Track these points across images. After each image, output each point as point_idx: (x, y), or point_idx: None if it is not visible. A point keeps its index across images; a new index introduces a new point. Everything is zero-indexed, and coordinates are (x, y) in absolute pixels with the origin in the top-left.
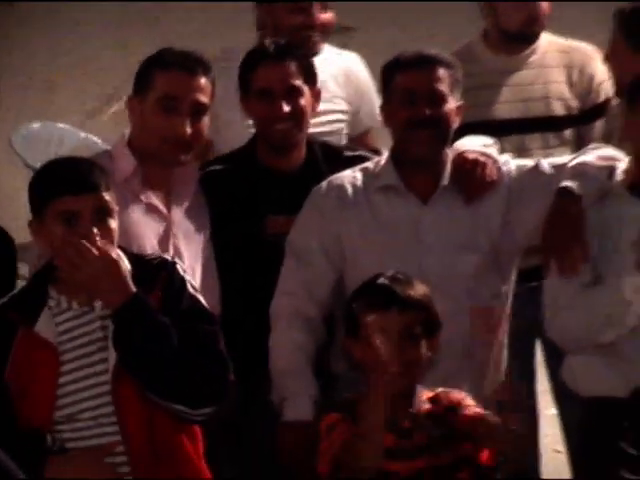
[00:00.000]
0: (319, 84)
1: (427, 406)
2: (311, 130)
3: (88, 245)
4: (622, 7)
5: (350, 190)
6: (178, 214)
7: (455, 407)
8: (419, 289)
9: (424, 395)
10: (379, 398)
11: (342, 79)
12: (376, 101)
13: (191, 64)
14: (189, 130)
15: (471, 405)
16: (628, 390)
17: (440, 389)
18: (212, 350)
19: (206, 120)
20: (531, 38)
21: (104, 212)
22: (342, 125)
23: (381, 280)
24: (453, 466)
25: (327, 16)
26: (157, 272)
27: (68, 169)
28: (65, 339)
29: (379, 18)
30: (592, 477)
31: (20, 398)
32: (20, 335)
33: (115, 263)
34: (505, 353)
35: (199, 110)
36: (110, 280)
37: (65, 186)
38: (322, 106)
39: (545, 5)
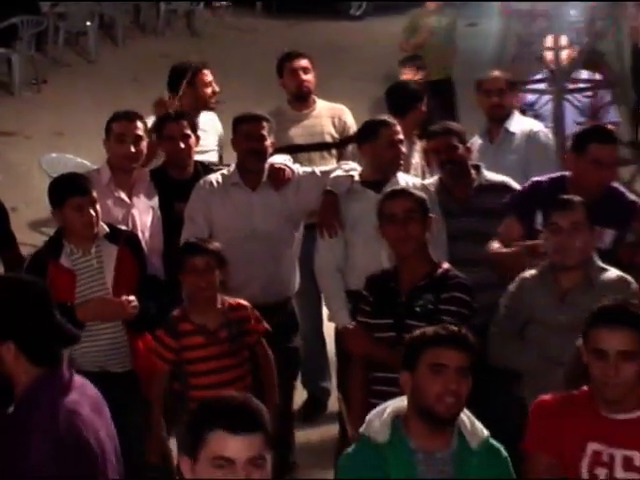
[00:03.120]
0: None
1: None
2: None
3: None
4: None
5: (215, 184)
6: (136, 201)
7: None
8: None
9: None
10: None
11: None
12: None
13: (131, 115)
14: (134, 150)
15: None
16: None
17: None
18: (147, 276)
19: (144, 144)
20: (307, 103)
21: (94, 203)
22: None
23: None
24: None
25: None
26: (121, 234)
27: (71, 180)
28: (76, 268)
29: None
30: None
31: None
32: (51, 266)
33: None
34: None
35: (138, 141)
36: None
37: (72, 191)
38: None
39: (313, 82)
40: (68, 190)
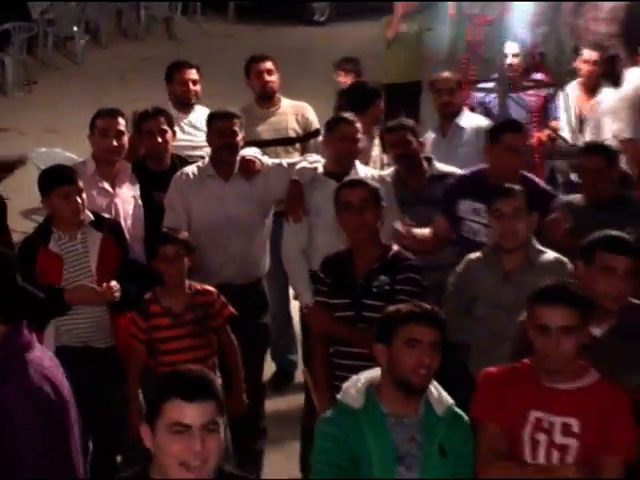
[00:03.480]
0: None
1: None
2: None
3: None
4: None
5: (191, 176)
6: (119, 191)
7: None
8: None
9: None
10: None
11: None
12: None
13: (114, 112)
14: (116, 144)
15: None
16: None
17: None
18: (128, 261)
19: (125, 139)
20: (273, 101)
21: (80, 192)
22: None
23: None
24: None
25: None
26: (105, 221)
27: (59, 170)
28: (64, 253)
29: None
30: None
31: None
32: (40, 251)
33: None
34: None
35: (120, 135)
36: None
37: (59, 180)
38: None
39: (277, 82)
40: (55, 180)
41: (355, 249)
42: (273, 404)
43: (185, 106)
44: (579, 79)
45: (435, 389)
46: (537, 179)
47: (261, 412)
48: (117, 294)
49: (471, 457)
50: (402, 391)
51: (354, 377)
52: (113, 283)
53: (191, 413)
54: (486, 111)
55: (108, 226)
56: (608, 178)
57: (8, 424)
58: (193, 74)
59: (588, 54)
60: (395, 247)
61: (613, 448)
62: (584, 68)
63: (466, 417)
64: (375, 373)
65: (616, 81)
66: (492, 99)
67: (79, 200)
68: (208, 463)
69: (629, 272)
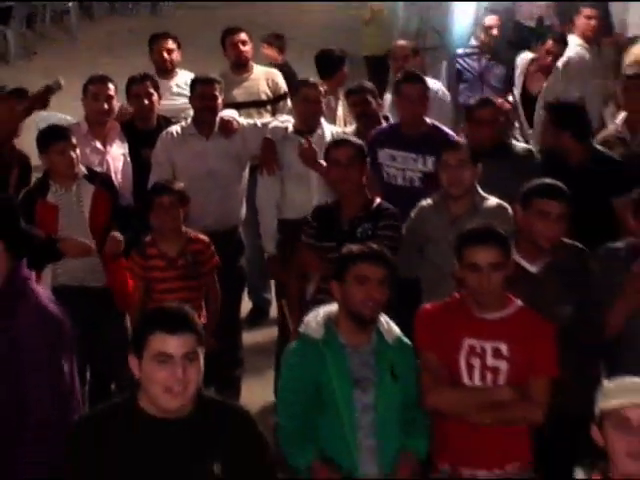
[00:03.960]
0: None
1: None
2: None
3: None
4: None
5: (175, 135)
6: (109, 149)
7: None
8: None
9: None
10: None
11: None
12: None
13: (104, 78)
14: (106, 107)
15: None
16: None
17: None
18: (120, 208)
19: (114, 103)
20: (246, 68)
21: (74, 147)
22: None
23: None
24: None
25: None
26: (97, 175)
27: (54, 129)
28: (60, 203)
29: None
30: None
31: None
32: (39, 202)
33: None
34: None
35: (109, 99)
36: None
37: (55, 137)
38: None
39: (250, 52)
40: (52, 137)
41: (342, 200)
42: (250, 337)
43: (164, 72)
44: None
45: (385, 321)
46: (443, 127)
47: (239, 344)
48: (122, 246)
49: (412, 381)
50: (355, 322)
51: (314, 311)
52: (117, 234)
53: (173, 344)
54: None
55: (100, 179)
56: (492, 129)
57: (20, 353)
58: (169, 44)
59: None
60: (378, 199)
61: (538, 368)
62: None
63: (411, 344)
64: (333, 307)
65: None
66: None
67: (73, 155)
68: (189, 388)
69: (561, 216)
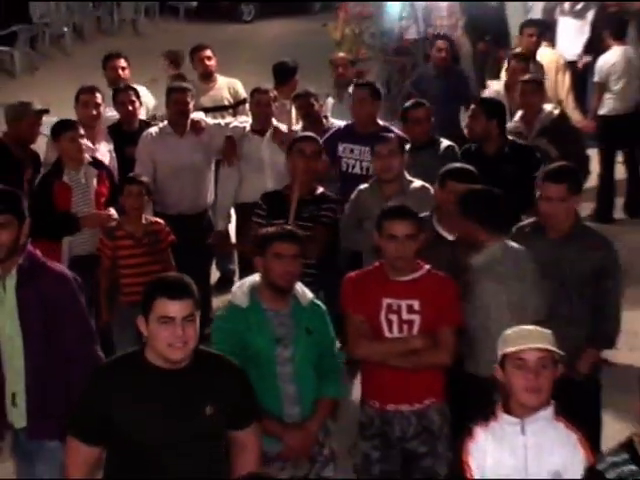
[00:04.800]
0: None
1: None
2: None
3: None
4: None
5: (154, 134)
6: (98, 147)
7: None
8: None
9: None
10: None
11: None
12: None
13: (93, 89)
14: (94, 113)
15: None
16: None
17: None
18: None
19: (101, 109)
20: (211, 79)
21: (82, 136)
22: None
23: None
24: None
25: None
26: (100, 163)
27: (65, 121)
28: (73, 184)
29: None
30: None
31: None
32: (56, 183)
33: None
34: None
35: (97, 106)
36: None
37: (66, 127)
38: None
39: (214, 65)
40: (64, 127)
41: (294, 186)
42: (219, 301)
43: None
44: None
45: (300, 288)
46: (393, 127)
47: (209, 306)
48: (114, 219)
49: (329, 335)
50: (274, 291)
51: (239, 282)
52: (112, 211)
53: (174, 308)
54: None
55: (102, 166)
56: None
57: (50, 302)
58: (121, 62)
59: (440, 43)
60: (321, 188)
61: (446, 319)
62: (438, 55)
63: (323, 306)
64: (256, 278)
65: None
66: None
67: (81, 142)
68: (188, 345)
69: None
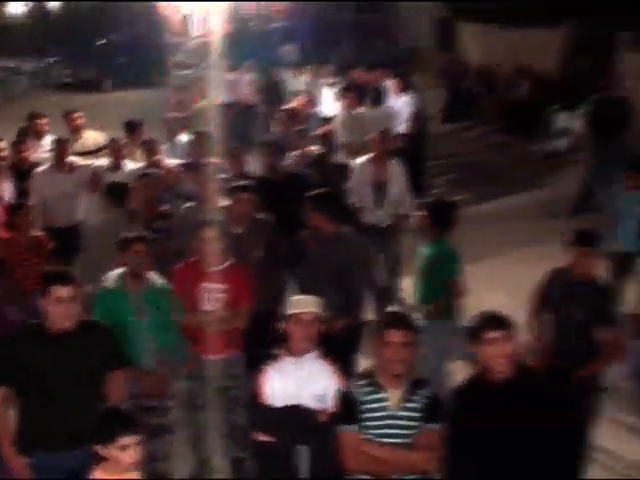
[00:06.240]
0: None
1: None
2: None
3: None
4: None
5: (42, 172)
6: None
7: None
8: None
9: None
10: None
11: None
12: None
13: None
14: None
15: None
16: None
17: None
18: None
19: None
20: (79, 135)
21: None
22: None
23: None
24: None
25: None
26: None
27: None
28: None
29: None
30: None
31: None
32: None
33: None
34: None
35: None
36: None
37: None
38: None
39: (83, 123)
40: None
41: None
42: None
43: (38, 136)
44: None
45: (152, 274)
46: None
47: None
48: None
49: (168, 310)
50: (133, 277)
51: (116, 270)
52: None
53: (64, 292)
54: None
55: None
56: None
57: None
58: (44, 120)
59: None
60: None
61: (243, 301)
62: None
63: (168, 287)
64: (124, 269)
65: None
66: None
67: None
68: (74, 316)
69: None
